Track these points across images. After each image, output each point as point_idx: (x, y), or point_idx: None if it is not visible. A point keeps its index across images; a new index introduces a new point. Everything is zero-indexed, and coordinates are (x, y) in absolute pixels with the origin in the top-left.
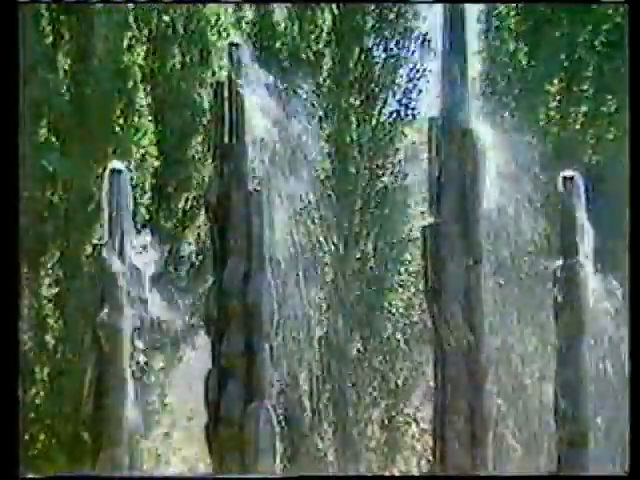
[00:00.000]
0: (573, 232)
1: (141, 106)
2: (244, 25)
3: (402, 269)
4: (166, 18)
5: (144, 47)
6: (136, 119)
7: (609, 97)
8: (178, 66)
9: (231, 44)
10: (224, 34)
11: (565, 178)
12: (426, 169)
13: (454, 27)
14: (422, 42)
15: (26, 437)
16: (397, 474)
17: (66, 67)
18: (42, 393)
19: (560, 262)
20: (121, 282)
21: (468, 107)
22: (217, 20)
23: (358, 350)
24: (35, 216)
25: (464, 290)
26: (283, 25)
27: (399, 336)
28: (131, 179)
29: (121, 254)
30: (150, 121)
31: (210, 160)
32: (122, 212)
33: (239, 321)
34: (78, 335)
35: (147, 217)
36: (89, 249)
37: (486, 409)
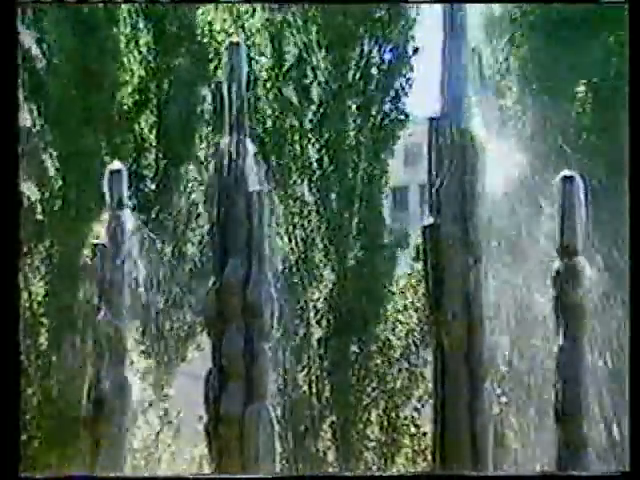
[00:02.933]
0: (573, 232)
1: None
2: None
3: (401, 270)
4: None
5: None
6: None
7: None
8: (182, 65)
9: (231, 43)
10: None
11: (565, 178)
12: (426, 169)
13: (454, 27)
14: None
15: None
16: (397, 474)
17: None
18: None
19: (560, 262)
20: (121, 282)
21: (470, 107)
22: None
23: (358, 351)
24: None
25: (464, 290)
26: (280, 29)
27: (400, 336)
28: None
29: (121, 254)
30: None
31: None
32: (121, 211)
33: (239, 321)
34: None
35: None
36: (88, 249)
37: (486, 409)
